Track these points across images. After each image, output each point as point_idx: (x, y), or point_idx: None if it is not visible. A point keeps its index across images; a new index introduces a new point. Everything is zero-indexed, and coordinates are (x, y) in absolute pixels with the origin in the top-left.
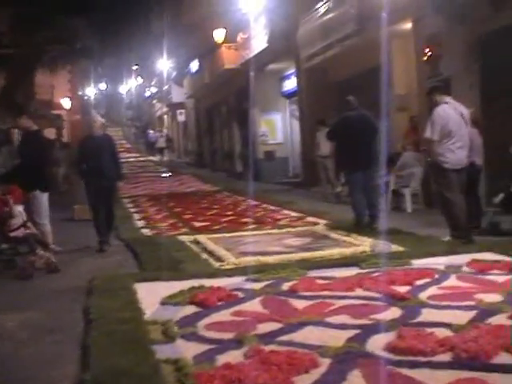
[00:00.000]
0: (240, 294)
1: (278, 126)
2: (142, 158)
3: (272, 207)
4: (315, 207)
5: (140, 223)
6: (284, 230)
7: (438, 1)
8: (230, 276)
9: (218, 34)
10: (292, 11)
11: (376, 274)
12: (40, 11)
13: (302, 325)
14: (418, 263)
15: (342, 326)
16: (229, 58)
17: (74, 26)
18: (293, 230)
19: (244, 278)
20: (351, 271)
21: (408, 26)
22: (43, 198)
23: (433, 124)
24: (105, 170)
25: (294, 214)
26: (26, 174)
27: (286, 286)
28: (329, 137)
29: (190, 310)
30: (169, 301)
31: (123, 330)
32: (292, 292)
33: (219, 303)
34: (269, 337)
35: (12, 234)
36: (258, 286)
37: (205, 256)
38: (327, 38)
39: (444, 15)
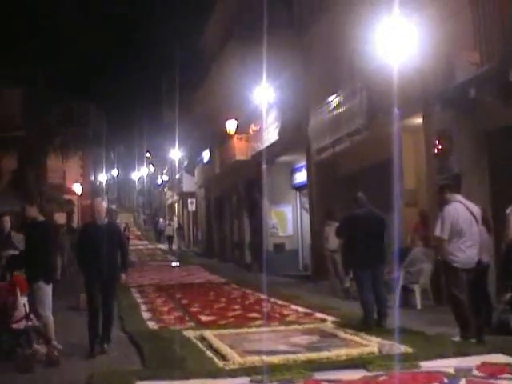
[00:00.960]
0: None
1: (288, 218)
2: (150, 246)
3: (280, 302)
4: (324, 302)
5: (146, 315)
6: (291, 327)
7: (446, 96)
8: (233, 376)
9: (230, 125)
10: (303, 104)
11: (383, 378)
12: (50, 94)
13: None
14: (426, 365)
15: None
16: (240, 149)
17: (84, 111)
18: (300, 327)
19: (248, 378)
20: (358, 374)
21: (418, 120)
22: (47, 290)
23: (443, 222)
24: (105, 262)
25: (301, 309)
26: (30, 265)
27: None
28: (337, 234)
29: None
30: None
31: None
32: None
33: None
34: None
35: (13, 326)
36: None
37: (209, 354)
38: (337, 131)
39: (453, 111)
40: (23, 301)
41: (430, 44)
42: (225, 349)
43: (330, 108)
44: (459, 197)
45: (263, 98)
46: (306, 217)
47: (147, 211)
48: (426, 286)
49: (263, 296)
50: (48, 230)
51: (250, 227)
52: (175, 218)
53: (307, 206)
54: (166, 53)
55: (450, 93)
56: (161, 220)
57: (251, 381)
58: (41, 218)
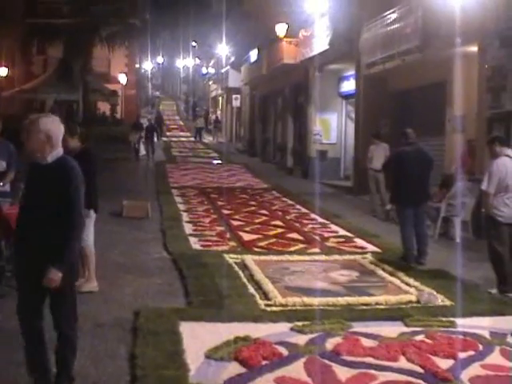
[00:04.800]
0: (284, 352)
1: (332, 126)
2: (192, 139)
3: (320, 219)
4: (364, 225)
5: (188, 227)
6: (331, 258)
7: (503, 33)
8: (275, 321)
9: (280, 28)
10: (356, 16)
11: (419, 338)
12: None
13: None
14: (462, 324)
15: None
16: (288, 53)
17: (133, 1)
18: (340, 258)
19: (289, 325)
20: (395, 328)
21: (473, 48)
22: (93, 219)
23: (490, 176)
24: (40, 235)
25: (342, 231)
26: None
27: (330, 344)
28: (384, 169)
29: (234, 369)
30: (213, 354)
31: None
32: (336, 354)
33: (263, 362)
34: None
35: None
36: (302, 339)
37: (251, 290)
38: (389, 49)
39: (509, 49)
40: None
41: None
42: (267, 285)
43: (384, 24)
44: (509, 151)
45: (316, 5)
46: (351, 126)
47: (191, 99)
48: (467, 219)
49: (304, 210)
50: (91, 158)
51: (293, 131)
52: (219, 112)
53: (353, 115)
54: None
55: (509, 31)
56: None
57: (291, 328)
58: (82, 147)
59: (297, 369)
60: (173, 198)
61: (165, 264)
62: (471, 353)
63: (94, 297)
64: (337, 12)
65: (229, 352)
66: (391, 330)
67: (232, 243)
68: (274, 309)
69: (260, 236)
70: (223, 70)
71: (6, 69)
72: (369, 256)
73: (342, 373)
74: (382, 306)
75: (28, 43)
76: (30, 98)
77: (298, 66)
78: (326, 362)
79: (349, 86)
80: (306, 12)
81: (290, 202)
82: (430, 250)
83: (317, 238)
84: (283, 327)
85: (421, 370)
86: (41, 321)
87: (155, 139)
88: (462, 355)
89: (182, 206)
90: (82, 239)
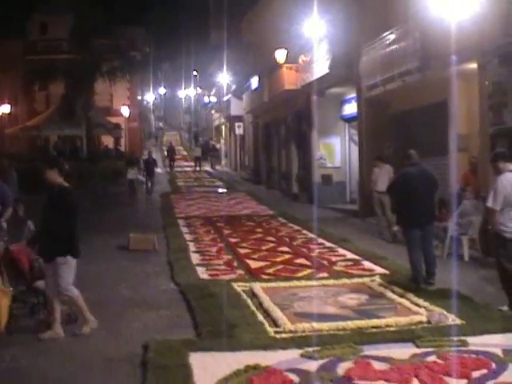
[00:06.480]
0: (295, 379)
1: (336, 150)
2: (197, 168)
3: (328, 244)
4: (371, 248)
5: (195, 257)
6: (340, 282)
7: (502, 50)
8: (285, 348)
9: (280, 55)
10: (354, 39)
11: (431, 359)
12: (99, 19)
13: None
14: (474, 343)
15: None
16: (289, 79)
17: (132, 36)
18: (348, 281)
19: (298, 351)
20: (407, 350)
21: (471, 66)
22: (73, 264)
23: (495, 193)
24: None
25: (349, 255)
26: (57, 237)
27: (341, 369)
28: (388, 192)
29: None
30: None
31: None
32: (348, 379)
33: None
34: None
35: (35, 285)
36: (313, 365)
37: (260, 318)
38: (389, 70)
39: (509, 65)
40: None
41: None
42: (275, 312)
43: (382, 45)
44: None
45: (314, 30)
46: (355, 149)
47: (194, 129)
48: (475, 237)
49: (311, 235)
50: (69, 198)
51: (297, 157)
52: (222, 141)
53: (356, 138)
54: None
55: (508, 48)
56: (200, 139)
57: (302, 355)
58: (64, 184)
59: None
60: (179, 229)
61: (173, 296)
62: (484, 371)
63: (103, 332)
64: (335, 36)
65: (240, 382)
66: (402, 352)
67: (240, 271)
68: (284, 336)
69: (267, 263)
70: (225, 99)
71: (9, 106)
72: (377, 278)
73: None
74: (392, 328)
75: (29, 80)
76: (33, 135)
77: (300, 91)
78: None
79: (350, 109)
80: (305, 37)
81: (297, 227)
82: (438, 269)
83: (324, 262)
84: (293, 354)
85: None
86: None
87: (157, 170)
88: (475, 374)
89: (188, 237)
90: (65, 290)
